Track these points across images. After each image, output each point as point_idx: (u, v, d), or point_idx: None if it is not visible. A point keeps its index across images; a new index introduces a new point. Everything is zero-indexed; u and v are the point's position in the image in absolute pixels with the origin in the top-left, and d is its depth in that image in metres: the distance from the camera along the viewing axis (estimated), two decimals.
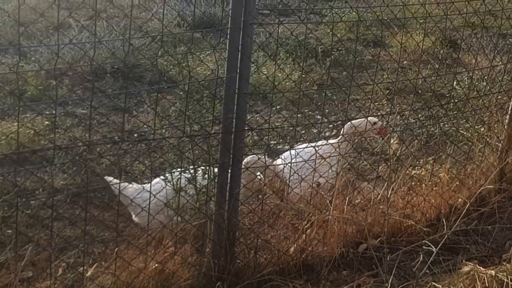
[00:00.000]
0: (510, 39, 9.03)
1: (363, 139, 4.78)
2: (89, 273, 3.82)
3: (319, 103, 7.12)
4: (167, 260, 3.97)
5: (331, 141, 4.84)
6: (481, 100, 5.19)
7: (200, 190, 4.03)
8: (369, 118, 4.85)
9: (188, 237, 4.07)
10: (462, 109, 5.08)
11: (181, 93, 6.63)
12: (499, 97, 5.23)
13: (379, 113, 5.28)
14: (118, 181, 4.15)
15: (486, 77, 5.68)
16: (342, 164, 4.65)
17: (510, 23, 5.17)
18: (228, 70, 3.76)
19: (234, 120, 3.83)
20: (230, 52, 3.74)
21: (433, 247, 3.79)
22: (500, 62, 5.94)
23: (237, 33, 3.68)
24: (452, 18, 5.32)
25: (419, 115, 5.87)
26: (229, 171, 3.94)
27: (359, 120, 4.94)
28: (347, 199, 4.53)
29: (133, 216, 4.34)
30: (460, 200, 4.93)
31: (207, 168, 4.00)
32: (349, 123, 4.87)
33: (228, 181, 3.96)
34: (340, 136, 4.86)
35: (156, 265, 3.92)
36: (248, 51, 3.75)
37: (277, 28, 8.53)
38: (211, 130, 3.89)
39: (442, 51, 8.88)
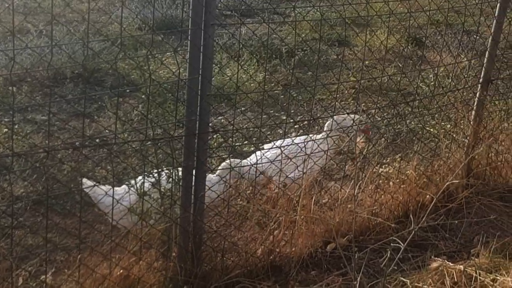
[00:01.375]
0: (474, 36, 9.07)
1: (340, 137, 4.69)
2: (48, 279, 3.70)
3: (284, 104, 7.07)
4: (132, 265, 3.87)
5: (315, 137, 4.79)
6: (446, 96, 5.16)
7: (165, 194, 3.93)
8: (351, 115, 4.83)
9: (153, 242, 3.97)
10: (428, 106, 5.03)
11: (143, 96, 6.52)
12: (464, 93, 5.21)
13: (344, 113, 5.20)
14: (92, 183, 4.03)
15: (451, 74, 5.69)
16: (323, 162, 4.59)
17: (474, 20, 5.16)
18: (190, 72, 3.67)
19: (197, 122, 3.75)
20: (191, 53, 3.65)
21: (401, 243, 3.73)
22: (465, 59, 5.93)
23: (198, 34, 3.60)
24: (417, 16, 5.28)
25: (385, 113, 5.82)
26: (194, 173, 3.85)
27: (342, 116, 4.88)
28: (314, 199, 4.47)
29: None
30: (427, 196, 4.90)
31: (171, 171, 3.91)
32: (331, 119, 4.80)
33: (193, 183, 3.88)
34: (323, 133, 4.81)
35: (121, 271, 3.82)
36: (209, 52, 3.67)
37: (240, 29, 8.55)
38: (174, 133, 3.80)
39: (406, 49, 8.89)
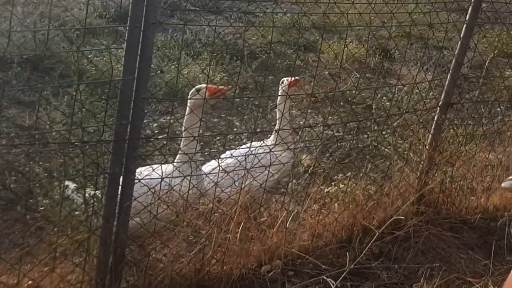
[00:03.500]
0: (445, 52, 8.83)
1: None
2: None
3: (239, 108, 6.77)
4: (43, 277, 3.54)
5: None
6: (402, 117, 4.88)
7: (88, 202, 3.62)
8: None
9: (69, 252, 3.65)
10: (382, 127, 4.74)
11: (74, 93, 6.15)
12: (421, 115, 4.93)
13: (293, 126, 4.91)
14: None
15: (412, 91, 5.43)
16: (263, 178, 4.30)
17: (437, 39, 4.89)
18: (124, 73, 3.35)
19: (128, 127, 3.43)
20: (127, 53, 3.33)
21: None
22: (426, 79, 5.66)
23: (135, 34, 3.28)
24: (388, 27, 5.01)
25: (335, 130, 5.55)
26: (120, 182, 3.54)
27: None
28: (252, 216, 4.18)
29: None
30: (374, 221, 4.64)
31: (95, 177, 3.59)
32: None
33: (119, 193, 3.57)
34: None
35: (30, 282, 3.50)
36: (148, 53, 3.35)
37: (205, 27, 8.23)
38: (102, 137, 3.48)
39: (373, 59, 8.63)
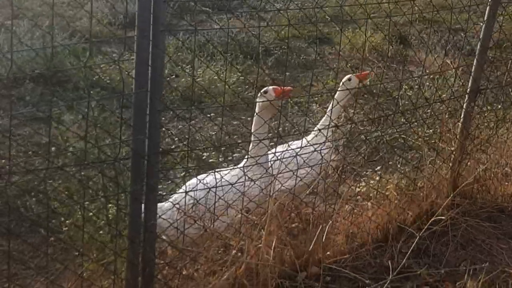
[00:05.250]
0: (461, 34, 8.58)
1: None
2: None
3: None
4: None
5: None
6: (430, 108, 4.68)
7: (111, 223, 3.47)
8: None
9: (96, 276, 3.50)
10: (411, 118, 4.54)
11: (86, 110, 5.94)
12: (450, 104, 4.74)
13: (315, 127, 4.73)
14: None
15: (436, 79, 5.23)
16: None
17: (458, 19, 4.67)
18: (136, 85, 3.18)
19: (146, 141, 3.27)
20: (138, 65, 3.15)
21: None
22: (451, 66, 5.46)
23: (145, 43, 3.11)
24: (402, 12, 4.80)
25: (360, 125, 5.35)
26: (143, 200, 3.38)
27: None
28: (284, 223, 4.01)
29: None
30: (409, 217, 4.46)
31: (116, 197, 3.43)
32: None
33: (143, 211, 3.41)
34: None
35: None
36: (159, 62, 3.17)
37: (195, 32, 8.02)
38: (118, 154, 3.32)
39: (391, 48, 8.41)
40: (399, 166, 4.63)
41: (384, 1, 4.06)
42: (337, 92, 4.67)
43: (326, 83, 7.11)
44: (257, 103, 4.15)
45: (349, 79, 4.67)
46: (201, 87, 6.25)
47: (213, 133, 5.93)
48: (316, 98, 6.79)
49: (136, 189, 3.35)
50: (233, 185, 3.73)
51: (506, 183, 5.08)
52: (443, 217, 4.45)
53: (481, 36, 4.48)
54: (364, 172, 5.19)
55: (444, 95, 5.29)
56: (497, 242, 4.62)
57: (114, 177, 3.34)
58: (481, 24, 4.51)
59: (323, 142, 4.06)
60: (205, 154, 5.38)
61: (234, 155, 5.40)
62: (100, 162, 3.28)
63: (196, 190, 3.76)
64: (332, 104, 4.43)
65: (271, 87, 4.15)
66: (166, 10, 3.14)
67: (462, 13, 4.96)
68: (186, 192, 3.59)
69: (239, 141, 5.80)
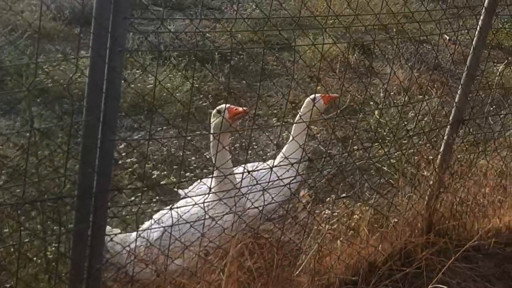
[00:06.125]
0: (425, 45, 8.23)
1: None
2: None
3: None
4: None
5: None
6: (410, 140, 4.25)
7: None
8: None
9: None
10: (389, 149, 4.09)
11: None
12: (429, 135, 4.33)
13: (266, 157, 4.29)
14: None
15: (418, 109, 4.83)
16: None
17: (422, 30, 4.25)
18: (87, 112, 2.65)
19: (95, 176, 2.76)
20: (90, 88, 2.63)
21: None
22: (433, 94, 5.06)
23: (100, 67, 2.59)
24: (364, 20, 4.38)
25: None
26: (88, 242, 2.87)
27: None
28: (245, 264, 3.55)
29: None
30: (381, 256, 4.06)
31: (57, 238, 2.93)
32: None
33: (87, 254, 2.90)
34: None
35: None
36: (116, 87, 2.66)
37: (170, 27, 7.49)
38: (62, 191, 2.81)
39: (353, 56, 8.00)
40: (372, 200, 4.21)
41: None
42: (302, 108, 4.26)
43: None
44: (212, 125, 3.64)
45: (314, 99, 4.23)
46: (150, 96, 5.70)
47: (165, 148, 5.39)
48: (276, 111, 6.32)
49: (80, 229, 2.84)
50: (192, 225, 3.25)
51: (483, 219, 4.73)
52: (417, 257, 4.11)
53: (468, 64, 4.06)
54: (328, 198, 4.74)
55: (425, 120, 4.88)
56: (474, 285, 4.26)
57: (56, 216, 2.83)
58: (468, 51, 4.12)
59: (294, 176, 3.59)
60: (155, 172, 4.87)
61: (186, 174, 4.94)
62: (40, 201, 2.76)
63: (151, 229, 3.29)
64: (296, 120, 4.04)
65: (226, 106, 3.60)
66: (126, 29, 2.63)
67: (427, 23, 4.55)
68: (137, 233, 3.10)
69: (193, 158, 5.31)
